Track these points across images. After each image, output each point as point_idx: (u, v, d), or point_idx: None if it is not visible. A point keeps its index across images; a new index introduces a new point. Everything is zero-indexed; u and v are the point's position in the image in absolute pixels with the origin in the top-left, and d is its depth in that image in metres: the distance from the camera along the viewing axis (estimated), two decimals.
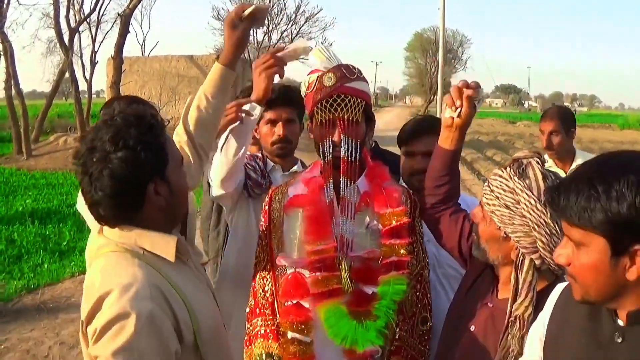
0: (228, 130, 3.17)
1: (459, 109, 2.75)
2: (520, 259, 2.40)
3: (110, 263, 2.21)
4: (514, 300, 2.38)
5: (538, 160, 2.47)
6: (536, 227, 2.33)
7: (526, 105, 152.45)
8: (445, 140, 2.89)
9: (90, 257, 2.36)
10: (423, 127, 3.60)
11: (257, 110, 3.14)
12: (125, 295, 2.05)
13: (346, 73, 2.88)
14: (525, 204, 2.34)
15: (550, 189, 1.85)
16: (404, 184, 3.64)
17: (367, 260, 2.92)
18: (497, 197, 2.41)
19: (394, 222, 2.92)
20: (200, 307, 2.31)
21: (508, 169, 2.46)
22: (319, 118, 2.90)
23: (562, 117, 5.90)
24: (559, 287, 2.16)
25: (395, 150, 4.20)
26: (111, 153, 2.15)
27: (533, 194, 2.35)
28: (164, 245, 2.27)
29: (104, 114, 3.66)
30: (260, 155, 3.93)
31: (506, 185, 2.41)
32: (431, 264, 3.38)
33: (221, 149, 3.22)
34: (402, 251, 2.90)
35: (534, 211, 2.33)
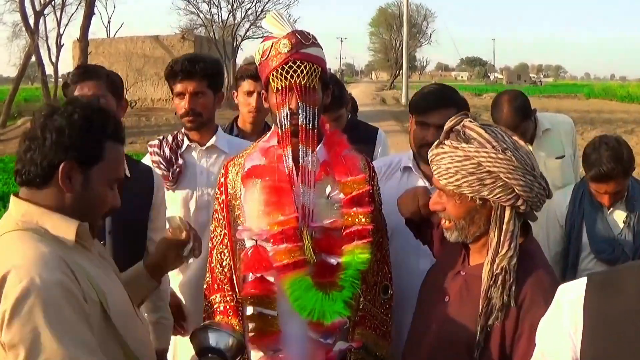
0: None
1: None
2: (498, 213, 2.37)
3: (12, 241, 2.12)
4: (496, 254, 2.34)
5: (469, 119, 2.45)
6: (510, 175, 2.30)
7: (492, 77, 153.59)
8: None
9: None
10: (439, 100, 3.48)
11: None
12: (33, 268, 1.97)
13: (301, 39, 2.82)
14: (488, 161, 2.31)
15: None
16: (410, 152, 3.65)
17: (329, 230, 2.89)
18: (457, 171, 2.36)
19: (355, 190, 2.90)
20: (107, 287, 2.23)
21: (447, 141, 2.43)
22: (275, 86, 2.84)
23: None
24: (571, 293, 1.87)
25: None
26: (55, 113, 2.18)
27: (487, 148, 2.32)
28: (64, 227, 2.19)
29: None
30: (176, 135, 4.03)
31: (457, 155, 2.37)
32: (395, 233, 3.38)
33: None
34: (363, 219, 2.88)
35: (499, 162, 2.30)
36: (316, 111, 2.87)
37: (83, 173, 2.20)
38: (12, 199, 2.23)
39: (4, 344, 1.94)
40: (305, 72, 2.79)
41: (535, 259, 2.46)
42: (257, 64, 2.96)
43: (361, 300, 2.97)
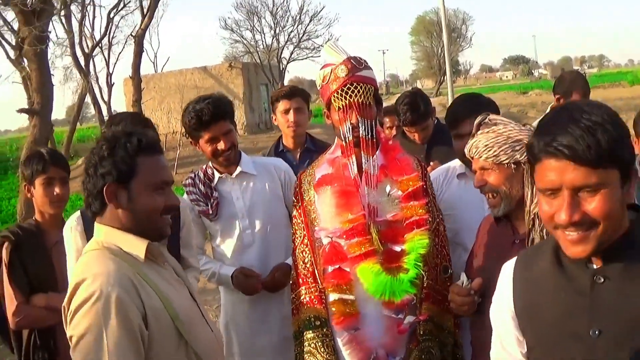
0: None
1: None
2: (529, 172, 2.75)
3: (90, 258, 2.56)
4: (531, 203, 2.78)
5: (491, 115, 3.11)
6: None
7: (536, 74, 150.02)
8: None
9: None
10: (467, 109, 3.69)
11: None
12: (97, 281, 2.38)
13: (355, 64, 3.31)
14: (514, 133, 2.96)
15: (547, 142, 1.85)
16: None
17: (392, 222, 3.34)
18: (493, 145, 2.97)
19: (410, 187, 3.34)
20: (174, 297, 2.62)
21: (479, 132, 3.06)
22: (336, 105, 3.32)
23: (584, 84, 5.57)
24: (507, 267, 2.30)
25: None
26: (94, 149, 2.63)
27: (512, 125, 3.01)
28: (136, 245, 2.58)
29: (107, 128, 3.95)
30: (205, 170, 4.22)
31: (489, 135, 3.00)
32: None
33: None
34: (420, 211, 3.31)
35: (522, 132, 2.96)
36: (373, 124, 3.34)
37: (125, 189, 2.56)
38: (95, 224, 2.66)
39: (70, 336, 2.42)
40: (361, 91, 3.27)
41: None
42: (319, 88, 3.43)
43: (425, 279, 3.35)
